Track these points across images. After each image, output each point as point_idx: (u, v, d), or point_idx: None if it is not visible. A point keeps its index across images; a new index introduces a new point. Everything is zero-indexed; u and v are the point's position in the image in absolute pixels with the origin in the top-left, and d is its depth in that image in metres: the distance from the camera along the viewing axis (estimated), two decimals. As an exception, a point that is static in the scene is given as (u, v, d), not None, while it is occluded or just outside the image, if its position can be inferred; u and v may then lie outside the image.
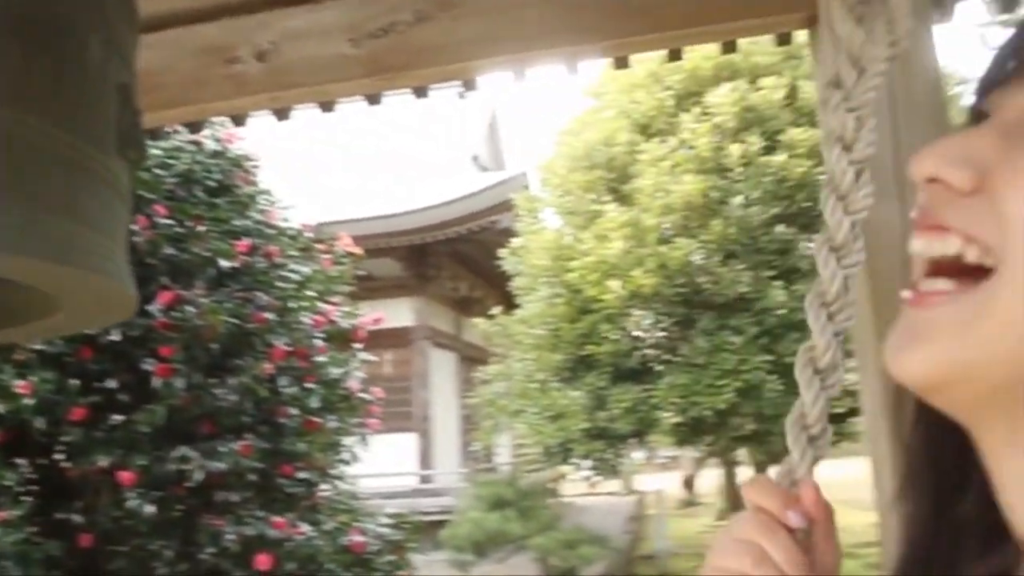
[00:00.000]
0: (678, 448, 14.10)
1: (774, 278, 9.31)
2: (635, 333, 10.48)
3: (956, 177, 0.45)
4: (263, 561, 3.82)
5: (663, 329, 10.42)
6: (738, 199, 9.36)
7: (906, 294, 0.49)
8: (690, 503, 18.62)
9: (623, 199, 10.16)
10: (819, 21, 1.84)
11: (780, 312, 9.13)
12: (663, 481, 17.01)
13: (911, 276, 0.50)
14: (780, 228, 9.42)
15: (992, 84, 0.49)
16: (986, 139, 0.46)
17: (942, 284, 0.46)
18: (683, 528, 15.05)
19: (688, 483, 19.56)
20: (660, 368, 9.96)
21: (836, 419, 10.77)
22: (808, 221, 9.67)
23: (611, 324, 9.97)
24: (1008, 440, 0.47)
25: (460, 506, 10.39)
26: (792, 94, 9.71)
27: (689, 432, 10.04)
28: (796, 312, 9.03)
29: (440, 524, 9.90)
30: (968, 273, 0.45)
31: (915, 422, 0.55)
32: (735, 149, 9.30)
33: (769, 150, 9.37)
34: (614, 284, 9.48)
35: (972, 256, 0.45)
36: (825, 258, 0.66)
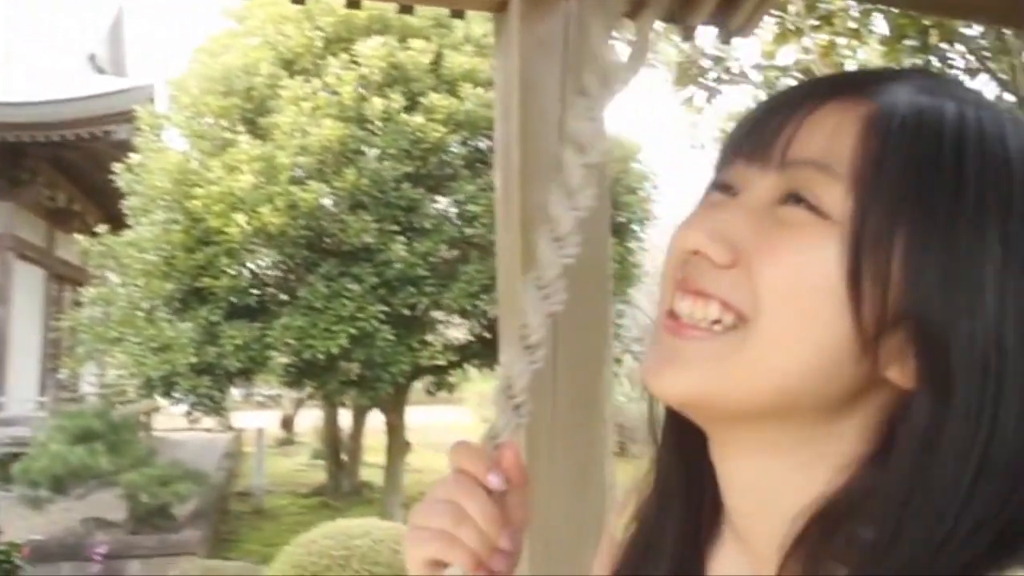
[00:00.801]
0: (282, 388, 14.15)
1: (398, 233, 9.69)
2: (255, 270, 10.30)
3: (716, 253, 0.55)
4: None
5: (285, 270, 10.36)
6: (374, 152, 9.58)
7: (665, 320, 0.58)
8: (287, 442, 18.74)
9: (258, 132, 9.88)
10: (509, 8, 2.00)
11: (399, 266, 9.54)
12: (261, 419, 16.92)
13: (665, 300, 0.60)
14: (408, 186, 9.82)
15: (735, 157, 0.59)
16: (739, 218, 0.56)
17: (700, 321, 0.56)
18: (279, 466, 15.16)
19: (287, 423, 19.65)
20: (277, 308, 9.92)
21: (438, 371, 11.58)
22: (435, 184, 10.21)
23: (231, 258, 9.68)
24: (754, 448, 0.58)
25: (38, 438, 9.47)
26: (438, 60, 10.13)
27: (299, 373, 10.14)
28: (414, 267, 9.53)
29: (13, 457, 8.94)
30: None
31: (665, 427, 0.66)
32: (377, 103, 9.49)
33: (409, 110, 9.70)
34: (240, 218, 9.20)
35: (728, 321, 0.55)
36: (546, 246, 0.69)
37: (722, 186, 0.60)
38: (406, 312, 9.78)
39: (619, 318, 10.88)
